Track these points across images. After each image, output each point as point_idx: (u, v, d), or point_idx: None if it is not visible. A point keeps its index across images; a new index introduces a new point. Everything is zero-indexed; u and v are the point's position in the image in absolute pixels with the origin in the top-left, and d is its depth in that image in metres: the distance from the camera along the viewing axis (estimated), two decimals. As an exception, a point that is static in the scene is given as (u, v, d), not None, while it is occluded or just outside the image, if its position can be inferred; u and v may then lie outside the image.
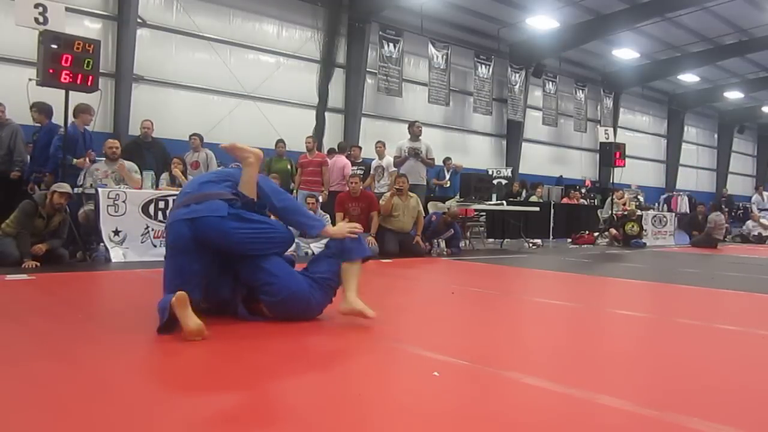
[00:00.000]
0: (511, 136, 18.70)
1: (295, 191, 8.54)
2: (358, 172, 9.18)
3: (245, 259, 2.98)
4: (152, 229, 6.01)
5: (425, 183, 9.03)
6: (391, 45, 15.01)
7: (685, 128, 25.49)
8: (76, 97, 6.18)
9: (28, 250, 5.14)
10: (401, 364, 2.46)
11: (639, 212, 11.58)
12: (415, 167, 8.41)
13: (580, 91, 20.70)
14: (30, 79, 5.91)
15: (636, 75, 21.03)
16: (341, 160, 9.29)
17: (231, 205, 2.92)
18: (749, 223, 14.22)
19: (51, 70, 5.69)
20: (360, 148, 10.37)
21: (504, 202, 9.84)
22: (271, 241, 3.02)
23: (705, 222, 12.03)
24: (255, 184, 3.06)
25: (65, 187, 5.40)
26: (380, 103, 15.45)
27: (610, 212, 11.72)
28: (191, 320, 2.59)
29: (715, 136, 27.99)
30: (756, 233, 13.60)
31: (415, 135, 8.66)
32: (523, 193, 13.68)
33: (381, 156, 9.26)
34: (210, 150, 8.45)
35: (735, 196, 24.82)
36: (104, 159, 6.49)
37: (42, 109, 6.49)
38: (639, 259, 8.46)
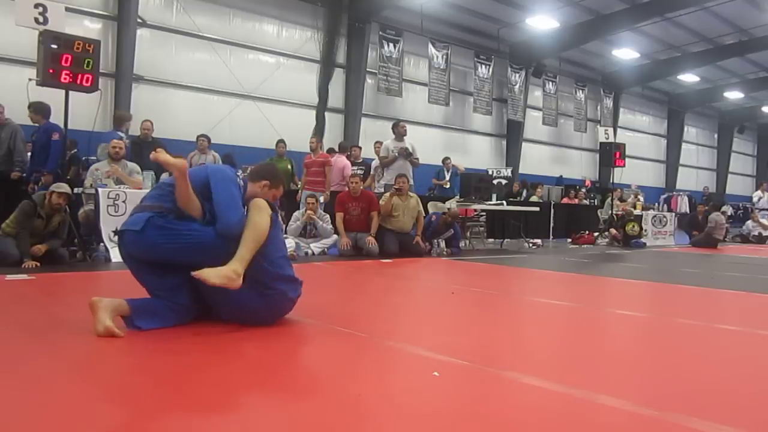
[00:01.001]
0: (511, 136, 18.71)
1: (299, 192, 8.55)
2: (359, 172, 9.17)
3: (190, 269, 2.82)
4: (152, 229, 5.99)
5: (413, 183, 8.98)
6: (391, 45, 15.01)
7: (685, 128, 25.51)
8: (77, 97, 6.18)
9: (28, 250, 5.13)
10: (401, 364, 2.46)
11: (635, 211, 11.56)
12: (405, 167, 8.39)
13: (580, 91, 20.71)
14: (30, 79, 5.91)
15: (636, 75, 21.04)
16: (341, 160, 9.28)
17: (159, 216, 2.74)
18: (749, 223, 14.21)
19: (51, 70, 5.69)
20: (360, 148, 10.37)
21: (504, 202, 9.83)
22: (203, 250, 2.72)
23: (705, 222, 12.02)
24: (188, 198, 2.78)
25: (64, 188, 5.40)
26: (380, 103, 15.45)
27: (610, 212, 11.72)
28: (98, 325, 2.58)
29: (715, 136, 28.01)
30: (756, 233, 13.59)
31: (400, 135, 8.63)
32: (524, 193, 13.68)
33: (380, 156, 9.25)
34: (216, 152, 8.43)
35: (735, 196, 24.84)
36: (107, 159, 6.49)
37: (38, 109, 6.46)
38: (639, 259, 8.45)
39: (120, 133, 7.26)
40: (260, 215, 2.79)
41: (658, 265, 7.75)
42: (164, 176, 7.13)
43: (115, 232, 5.41)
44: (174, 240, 2.72)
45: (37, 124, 6.54)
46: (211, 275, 2.59)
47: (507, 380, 2.21)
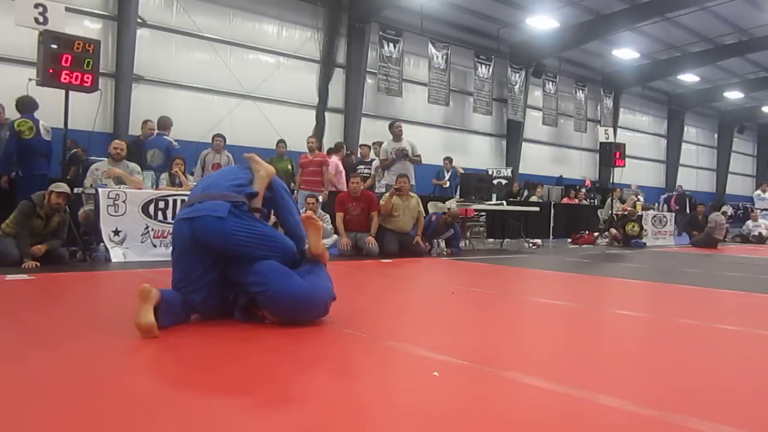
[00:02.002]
0: (511, 136, 18.71)
1: (295, 191, 8.55)
2: (366, 171, 9.16)
3: (239, 262, 2.93)
4: (152, 229, 6.01)
5: (414, 183, 8.97)
6: (391, 45, 15.01)
7: (685, 128, 25.50)
8: (77, 97, 6.18)
9: (27, 250, 5.12)
10: (401, 364, 2.46)
11: (639, 212, 11.57)
12: (404, 167, 8.37)
13: (580, 91, 20.71)
14: (30, 79, 5.91)
15: (636, 75, 21.04)
16: (332, 161, 9.29)
17: (235, 206, 2.90)
18: (749, 223, 14.22)
19: (51, 70, 5.70)
20: (369, 147, 10.31)
21: (504, 202, 9.83)
22: (270, 247, 2.97)
23: (705, 222, 12.03)
24: (261, 197, 3.11)
25: (62, 187, 5.38)
26: (380, 103, 15.45)
27: (610, 212, 11.72)
28: (144, 317, 2.58)
29: (715, 136, 28.00)
30: (756, 233, 13.59)
31: (396, 135, 8.60)
32: (525, 193, 13.67)
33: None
34: (230, 153, 8.45)
35: (735, 196, 24.86)
36: (108, 159, 6.50)
37: (18, 105, 6.25)
38: (639, 259, 8.45)
39: (166, 137, 7.53)
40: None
41: (658, 265, 7.74)
42: (164, 176, 7.16)
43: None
44: (253, 233, 2.90)
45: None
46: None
47: (507, 380, 2.21)
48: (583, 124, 20.92)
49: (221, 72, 12.71)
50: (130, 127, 10.94)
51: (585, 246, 10.69)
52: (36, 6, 5.69)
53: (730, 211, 18.43)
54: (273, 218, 3.33)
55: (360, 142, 12.38)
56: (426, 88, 15.94)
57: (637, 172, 21.80)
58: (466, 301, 4.28)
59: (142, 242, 5.96)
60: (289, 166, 9.50)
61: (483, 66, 17.29)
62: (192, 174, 8.07)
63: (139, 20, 11.47)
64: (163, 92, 12.04)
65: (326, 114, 13.98)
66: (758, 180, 25.07)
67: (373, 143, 10.13)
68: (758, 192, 16.14)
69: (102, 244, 5.80)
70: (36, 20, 5.69)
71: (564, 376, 2.28)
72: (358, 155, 10.91)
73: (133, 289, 2.91)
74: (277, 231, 3.18)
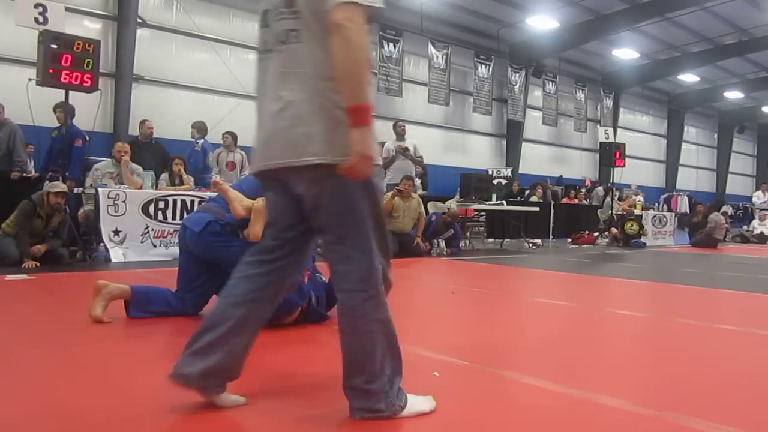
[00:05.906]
0: (511, 136, 18.69)
1: None
2: None
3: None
4: (152, 229, 6.01)
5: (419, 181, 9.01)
6: (391, 45, 15.00)
7: (685, 128, 25.48)
8: (77, 97, 6.18)
9: (27, 250, 5.13)
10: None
11: (635, 211, 11.58)
12: (404, 166, 8.36)
13: (580, 91, 20.69)
14: (30, 79, 5.91)
15: (636, 75, 21.02)
16: None
17: (218, 222, 3.01)
18: (755, 222, 14.23)
19: (51, 70, 5.69)
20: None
21: (504, 202, 9.83)
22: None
23: (704, 222, 12.03)
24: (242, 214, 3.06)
25: (60, 187, 5.39)
26: (380, 103, 15.42)
27: (609, 212, 11.72)
28: (96, 308, 2.83)
29: (715, 136, 27.98)
30: (758, 232, 13.60)
31: (399, 135, 8.64)
32: (527, 193, 13.67)
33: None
34: (243, 152, 8.45)
35: (735, 196, 24.85)
36: (111, 160, 6.51)
37: (65, 110, 6.37)
38: (639, 259, 8.45)
39: (201, 141, 8.02)
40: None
41: (658, 265, 7.75)
42: (164, 176, 7.16)
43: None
44: (228, 248, 2.98)
45: (59, 124, 6.50)
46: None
47: (507, 380, 2.21)
48: (583, 124, 20.91)
49: (221, 72, 12.69)
50: (130, 127, 10.93)
51: (585, 246, 10.69)
52: (36, 6, 5.68)
53: (730, 211, 18.44)
54: None
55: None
56: (426, 88, 15.93)
57: (637, 172, 21.77)
58: (467, 301, 4.28)
59: (142, 242, 5.97)
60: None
61: (483, 66, 17.28)
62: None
63: (139, 20, 11.46)
64: (163, 92, 12.03)
65: (326, 114, 13.96)
66: (758, 180, 25.05)
67: (377, 143, 10.14)
68: (758, 193, 16.16)
69: (102, 244, 5.80)
70: (36, 20, 5.68)
71: (564, 376, 2.28)
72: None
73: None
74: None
